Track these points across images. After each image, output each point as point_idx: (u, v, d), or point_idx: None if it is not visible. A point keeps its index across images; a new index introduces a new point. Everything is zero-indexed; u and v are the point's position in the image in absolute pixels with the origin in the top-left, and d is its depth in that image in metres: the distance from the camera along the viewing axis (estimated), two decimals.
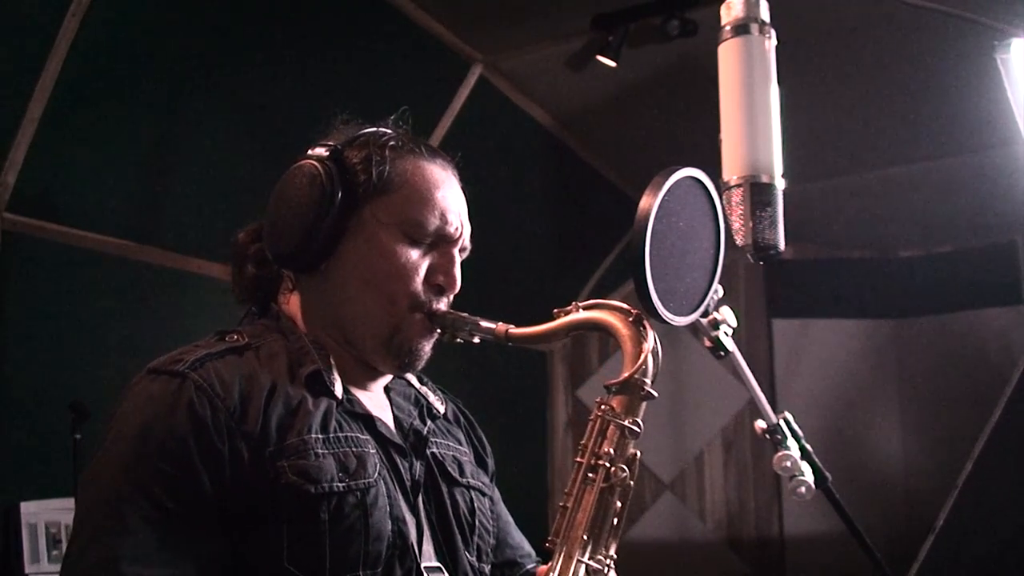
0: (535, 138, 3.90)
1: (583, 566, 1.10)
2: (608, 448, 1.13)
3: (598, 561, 1.12)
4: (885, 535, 3.97)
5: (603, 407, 1.15)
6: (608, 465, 1.12)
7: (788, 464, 1.62)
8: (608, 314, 1.18)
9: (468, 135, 3.47)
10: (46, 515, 2.39)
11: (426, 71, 3.29)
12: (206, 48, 2.70)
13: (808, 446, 1.66)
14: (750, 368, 1.69)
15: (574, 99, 3.71)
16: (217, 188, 2.77)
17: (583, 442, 1.15)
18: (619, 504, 1.14)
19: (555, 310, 1.21)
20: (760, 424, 1.67)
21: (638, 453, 1.16)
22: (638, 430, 1.14)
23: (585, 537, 1.11)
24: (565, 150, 4.05)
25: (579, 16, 3.17)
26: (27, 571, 2.35)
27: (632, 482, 1.14)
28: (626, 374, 1.14)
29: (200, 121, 2.78)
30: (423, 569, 1.17)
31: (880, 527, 3.88)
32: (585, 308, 1.20)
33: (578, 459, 1.15)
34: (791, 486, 1.62)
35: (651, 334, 1.16)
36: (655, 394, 1.15)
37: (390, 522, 1.15)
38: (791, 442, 1.64)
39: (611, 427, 1.14)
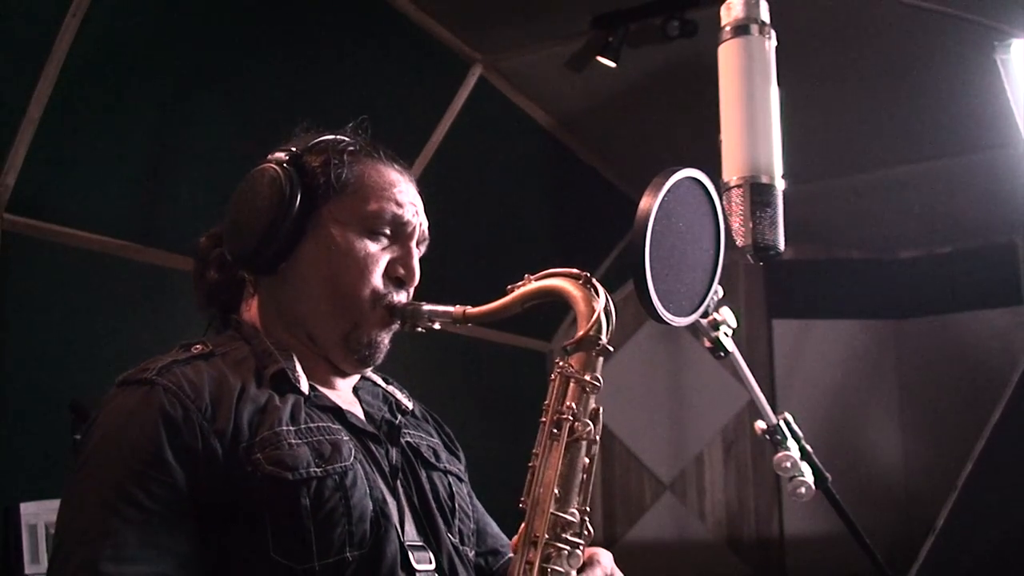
0: (535, 138, 3.90)
1: (556, 519, 1.11)
2: (570, 403, 1.15)
3: (571, 514, 1.13)
4: (885, 535, 3.97)
5: (561, 365, 1.17)
6: (571, 419, 1.14)
7: (788, 464, 1.62)
8: (559, 280, 1.21)
9: (468, 135, 3.47)
10: (46, 515, 2.39)
11: (426, 71, 3.29)
12: (206, 48, 2.70)
13: (808, 446, 1.66)
14: (750, 368, 1.69)
15: (574, 99, 3.71)
16: (217, 188, 2.76)
17: (545, 403, 1.17)
18: (587, 460, 1.15)
19: (508, 286, 1.23)
20: (760, 424, 1.67)
21: (601, 408, 1.18)
22: (598, 384, 1.16)
23: (556, 492, 1.12)
24: (565, 150, 4.04)
25: (579, 16, 3.17)
26: (27, 571, 2.35)
27: (598, 436, 1.16)
28: (581, 332, 1.17)
29: (200, 121, 2.78)
30: (408, 547, 1.18)
31: (880, 527, 3.88)
32: (536, 279, 1.22)
33: (542, 419, 1.16)
34: (791, 486, 1.62)
35: (602, 292, 1.19)
36: (611, 349, 1.18)
37: (371, 503, 1.16)
38: (791, 442, 1.65)
39: (571, 384, 1.16)
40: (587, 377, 1.16)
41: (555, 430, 1.15)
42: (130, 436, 1.10)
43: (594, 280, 1.20)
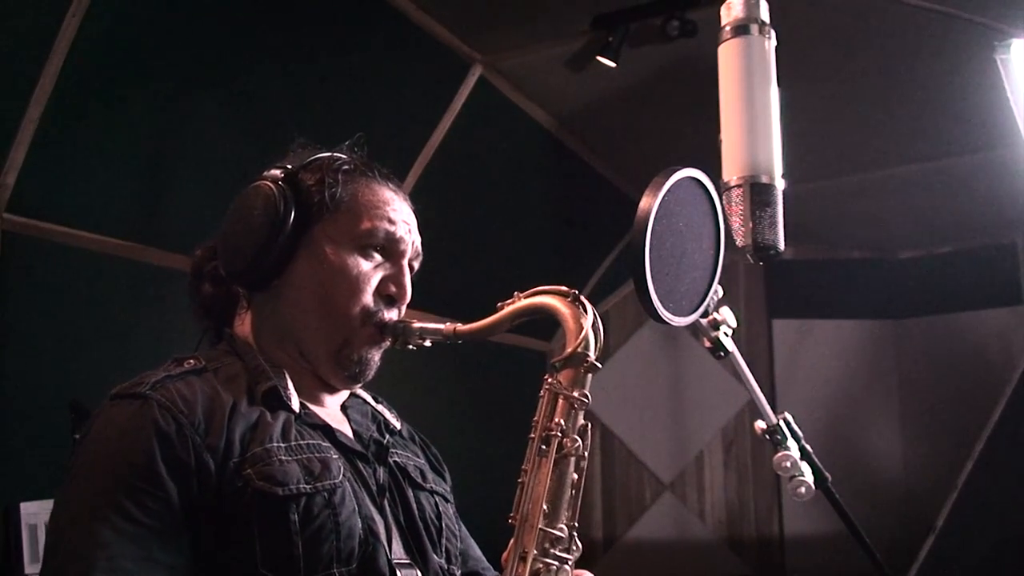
0: (535, 138, 3.90)
1: (545, 535, 1.12)
2: (559, 419, 1.16)
3: (560, 529, 1.13)
4: (885, 535, 3.97)
5: (550, 382, 1.18)
6: (560, 435, 1.15)
7: (788, 464, 1.61)
8: (548, 297, 1.22)
9: (468, 135, 3.47)
10: (46, 515, 2.38)
11: (426, 71, 3.29)
12: (206, 48, 2.70)
13: (808, 446, 1.66)
14: (750, 368, 1.69)
15: (574, 99, 3.71)
16: (217, 188, 2.76)
17: (534, 419, 1.18)
18: (576, 476, 1.16)
19: (498, 303, 1.25)
20: (760, 424, 1.67)
21: (589, 424, 1.19)
22: (586, 401, 1.17)
23: (545, 507, 1.13)
24: (565, 150, 4.04)
25: (579, 16, 3.16)
26: (27, 571, 2.35)
27: (586, 453, 1.17)
28: (569, 349, 1.18)
29: (200, 121, 2.77)
30: (396, 564, 1.19)
31: (880, 527, 3.88)
32: (526, 296, 1.23)
33: (531, 435, 1.17)
34: (791, 486, 1.61)
35: (590, 309, 1.20)
36: (599, 365, 1.19)
37: (360, 520, 1.17)
38: (791, 442, 1.64)
39: (560, 400, 1.17)
40: (575, 394, 1.17)
41: (543, 447, 1.15)
42: (124, 450, 1.11)
43: (582, 297, 1.21)
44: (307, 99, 2.89)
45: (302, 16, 2.87)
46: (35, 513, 2.39)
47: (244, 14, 2.74)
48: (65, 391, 2.39)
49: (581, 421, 1.17)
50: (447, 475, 1.47)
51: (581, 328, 1.17)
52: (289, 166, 1.31)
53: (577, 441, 1.15)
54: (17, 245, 2.44)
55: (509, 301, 1.24)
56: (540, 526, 1.12)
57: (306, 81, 2.92)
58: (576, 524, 1.16)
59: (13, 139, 2.34)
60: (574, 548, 1.15)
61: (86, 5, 2.30)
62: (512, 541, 1.13)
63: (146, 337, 2.66)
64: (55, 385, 2.46)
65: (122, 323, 2.66)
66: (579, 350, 1.17)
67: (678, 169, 1.18)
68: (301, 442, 1.19)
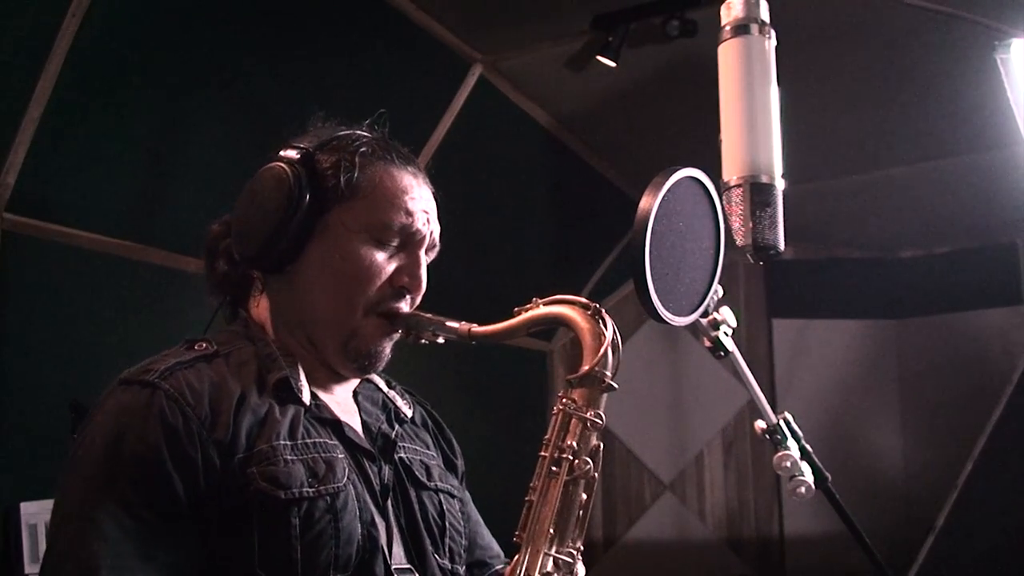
0: (535, 138, 3.90)
1: (550, 559, 1.11)
2: (571, 441, 1.13)
3: (566, 553, 1.12)
4: (885, 535, 3.97)
5: (564, 401, 1.15)
6: (571, 458, 1.12)
7: (788, 464, 1.62)
8: (567, 308, 1.18)
9: (468, 135, 3.47)
10: (46, 515, 2.38)
11: (426, 71, 3.29)
12: (206, 48, 2.70)
13: (808, 446, 1.66)
14: (750, 368, 1.69)
15: (574, 99, 3.71)
16: (217, 188, 2.76)
17: (546, 437, 1.15)
18: (585, 496, 1.14)
19: (516, 308, 1.21)
20: (760, 424, 1.67)
21: (601, 445, 1.16)
22: (600, 422, 1.14)
23: (551, 530, 1.11)
24: (565, 150, 4.04)
25: (579, 16, 3.16)
26: (27, 571, 2.35)
27: (597, 474, 1.14)
28: (586, 367, 1.15)
29: (199, 121, 2.78)
30: (393, 571, 1.18)
31: (880, 527, 3.88)
32: (545, 304, 1.20)
33: (542, 453, 1.15)
34: (791, 486, 1.62)
35: (610, 326, 1.16)
36: (616, 386, 1.15)
37: (360, 525, 1.16)
38: (791, 442, 1.64)
39: (573, 420, 1.14)
40: (589, 415, 1.14)
41: (554, 468, 1.13)
42: (130, 444, 1.09)
43: (603, 312, 1.17)
44: (307, 99, 2.88)
45: (302, 16, 2.88)
46: (35, 513, 2.38)
47: (244, 14, 2.74)
48: (65, 391, 2.38)
49: (594, 442, 1.14)
50: (460, 460, 1.45)
51: (600, 345, 1.14)
52: (306, 145, 1.27)
53: (588, 463, 1.12)
54: (17, 245, 2.44)
55: (528, 306, 1.20)
56: (544, 550, 1.10)
57: (306, 81, 2.92)
58: (581, 547, 1.14)
59: (13, 139, 2.34)
60: (577, 570, 1.13)
61: (86, 5, 2.30)
62: (515, 559, 1.11)
63: (146, 337, 2.66)
64: (55, 385, 2.46)
65: (122, 323, 2.66)
66: (596, 369, 1.14)
67: (678, 169, 1.18)
68: (308, 440, 1.17)
